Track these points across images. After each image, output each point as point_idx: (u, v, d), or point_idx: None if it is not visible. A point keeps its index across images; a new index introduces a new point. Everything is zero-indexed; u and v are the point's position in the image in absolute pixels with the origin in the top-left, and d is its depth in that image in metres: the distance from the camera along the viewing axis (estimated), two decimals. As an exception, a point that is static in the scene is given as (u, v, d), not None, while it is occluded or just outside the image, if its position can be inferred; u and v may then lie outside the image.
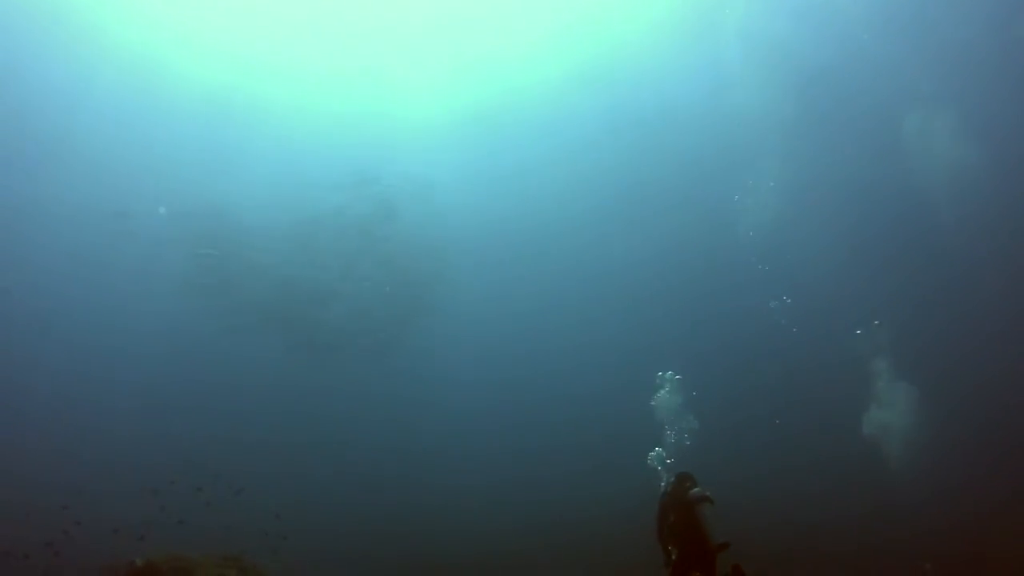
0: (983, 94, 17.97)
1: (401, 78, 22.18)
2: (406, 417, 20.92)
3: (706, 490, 6.87)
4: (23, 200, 21.07)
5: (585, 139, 22.42)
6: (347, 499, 18.47)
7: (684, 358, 10.22)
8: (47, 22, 19.79)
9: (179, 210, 21.25)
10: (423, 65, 22.04)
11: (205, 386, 20.76)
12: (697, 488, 6.91)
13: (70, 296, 21.53)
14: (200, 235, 21.52)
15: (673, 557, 6.79)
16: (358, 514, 17.90)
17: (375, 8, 21.22)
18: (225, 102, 21.73)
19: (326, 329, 22.25)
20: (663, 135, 21.40)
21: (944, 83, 18.30)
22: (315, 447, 19.96)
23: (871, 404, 15.02)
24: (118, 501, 14.50)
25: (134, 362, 20.97)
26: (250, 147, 21.98)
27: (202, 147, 21.69)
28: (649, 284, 21.56)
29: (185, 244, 21.55)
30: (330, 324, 22.32)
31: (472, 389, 21.15)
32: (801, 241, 19.41)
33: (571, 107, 22.16)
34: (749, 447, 17.49)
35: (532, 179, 22.90)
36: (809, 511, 15.86)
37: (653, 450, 8.44)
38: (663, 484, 7.46)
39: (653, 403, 9.26)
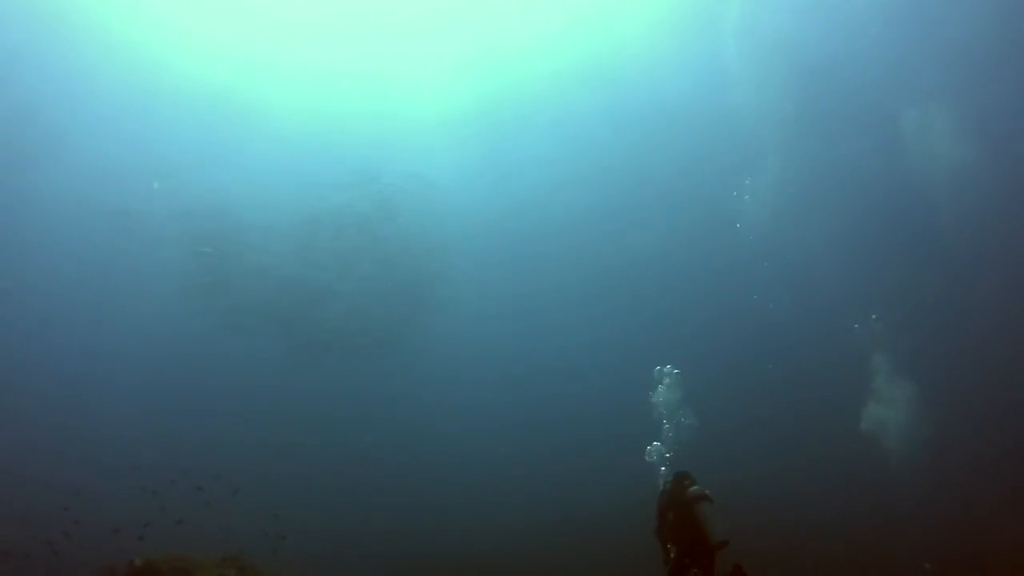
0: (984, 89, 17.94)
1: (400, 76, 22.14)
2: (406, 416, 20.91)
3: (705, 488, 6.88)
4: (21, 199, 21.07)
5: (585, 136, 22.38)
6: (346, 498, 18.47)
7: (685, 356, 10.19)
8: (48, 20, 19.78)
9: (179, 209, 21.24)
10: (422, 63, 22.01)
11: (204, 386, 20.76)
12: (696, 486, 6.92)
13: (69, 296, 21.52)
14: (199, 234, 21.51)
15: (672, 555, 6.80)
16: (357, 513, 17.90)
17: (374, 6, 21.20)
18: (224, 101, 21.71)
19: (326, 328, 22.24)
20: (663, 131, 21.37)
21: (945, 78, 18.27)
22: (314, 447, 19.96)
23: (870, 401, 15.01)
24: (117, 501, 14.49)
25: (133, 362, 20.96)
26: (250, 146, 21.95)
27: (201, 146, 21.67)
28: (649, 282, 21.55)
29: (185, 243, 21.53)
30: (330, 323, 22.30)
31: (472, 388, 21.15)
32: (801, 237, 19.39)
33: (571, 104, 22.13)
34: (748, 445, 17.48)
35: (532, 177, 22.87)
36: (808, 509, 15.86)
37: (651, 445, 8.44)
38: (662, 482, 7.46)
39: (652, 399, 9.25)
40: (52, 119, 21.02)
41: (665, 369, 9.43)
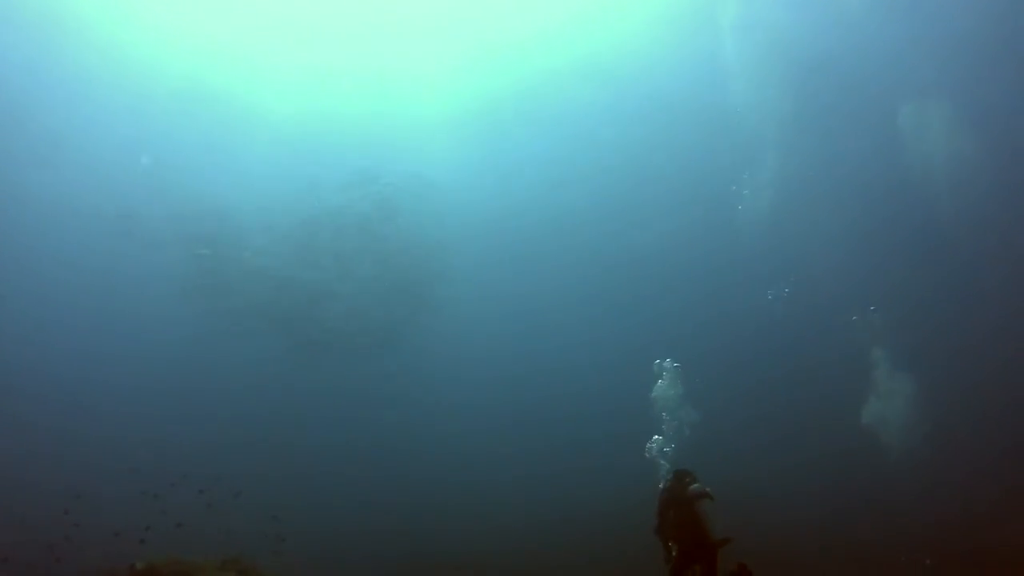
0: (984, 83, 17.97)
1: (398, 76, 22.15)
2: (406, 416, 20.89)
3: (705, 486, 6.89)
4: (21, 202, 21.04)
5: (584, 134, 22.39)
6: (346, 499, 18.45)
7: (686, 354, 10.20)
8: (46, 21, 19.76)
9: (177, 211, 21.22)
10: (420, 62, 22.01)
11: (204, 387, 20.72)
12: (697, 484, 6.93)
13: (68, 299, 21.49)
14: (199, 237, 21.50)
15: (674, 553, 6.81)
16: (357, 514, 17.89)
17: (372, 5, 21.19)
18: (223, 102, 21.71)
19: (326, 329, 22.22)
20: (663, 128, 21.37)
21: (944, 73, 18.30)
22: (314, 447, 19.94)
23: (870, 396, 15.03)
24: (117, 505, 14.48)
25: (132, 364, 20.93)
26: (249, 147, 21.94)
27: (200, 147, 21.66)
28: (649, 280, 21.53)
29: (184, 245, 21.52)
30: (330, 324, 22.28)
31: (472, 388, 21.13)
32: (802, 233, 19.39)
33: (570, 103, 22.13)
34: (747, 441, 17.49)
35: (531, 175, 22.87)
36: (808, 506, 15.88)
37: (652, 439, 8.45)
38: (662, 480, 7.47)
39: (653, 393, 9.27)
40: (51, 121, 21.00)
41: (665, 363, 9.45)
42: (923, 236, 19.20)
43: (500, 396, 21.05)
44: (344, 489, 18.87)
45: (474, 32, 21.66)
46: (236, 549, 12.97)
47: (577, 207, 22.29)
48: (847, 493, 16.40)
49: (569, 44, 21.78)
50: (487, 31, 21.66)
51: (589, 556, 15.91)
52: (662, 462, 8.03)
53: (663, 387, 9.17)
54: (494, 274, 22.44)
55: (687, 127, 21.01)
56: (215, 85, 21.55)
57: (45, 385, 20.31)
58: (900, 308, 17.43)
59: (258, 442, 19.53)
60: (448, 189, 22.37)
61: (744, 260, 20.10)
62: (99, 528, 13.10)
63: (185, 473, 14.35)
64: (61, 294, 21.43)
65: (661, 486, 7.34)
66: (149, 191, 21.40)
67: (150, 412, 20.26)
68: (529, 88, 22.18)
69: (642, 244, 21.65)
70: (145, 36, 20.73)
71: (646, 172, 21.90)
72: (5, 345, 20.40)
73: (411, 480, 19.34)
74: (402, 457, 19.92)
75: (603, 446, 17.89)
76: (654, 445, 8.38)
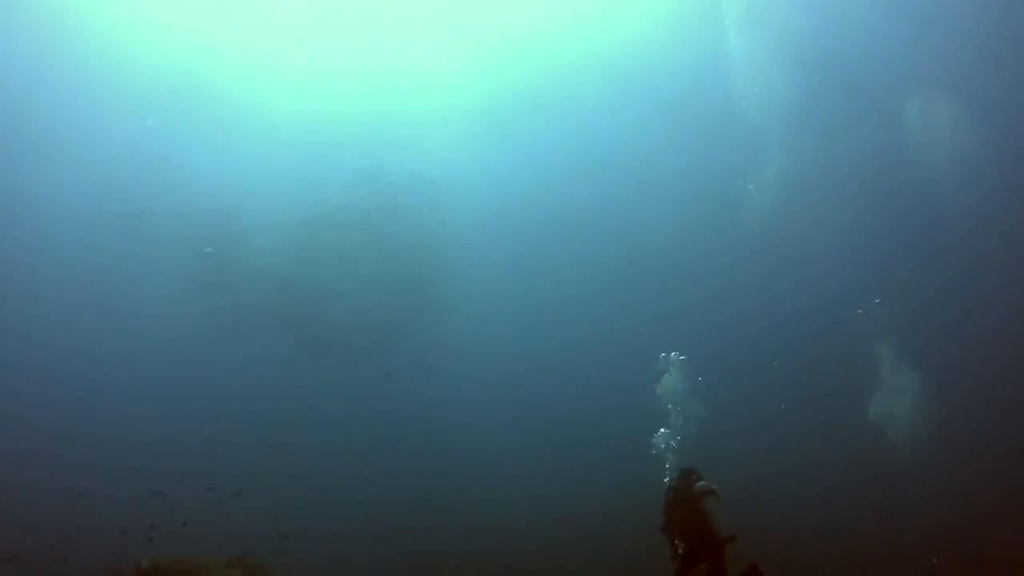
0: (990, 81, 17.92)
1: (402, 74, 22.17)
2: (410, 415, 20.91)
3: (711, 484, 6.89)
4: (24, 201, 21.10)
5: (588, 132, 22.39)
6: (349, 498, 18.47)
7: (692, 352, 10.19)
8: (48, 20, 19.82)
9: (181, 210, 21.26)
10: (423, 61, 22.03)
11: (207, 386, 20.76)
12: (703, 482, 6.93)
13: (72, 299, 21.54)
14: (202, 235, 21.55)
15: (680, 551, 6.81)
16: (360, 513, 17.90)
17: (376, 5, 21.20)
18: (227, 101, 21.75)
19: (329, 327, 22.23)
20: (669, 124, 21.34)
21: (951, 70, 18.26)
22: (317, 446, 19.96)
23: (876, 394, 14.99)
24: (123, 504, 14.52)
25: (136, 363, 20.97)
26: (252, 146, 21.99)
27: (204, 147, 21.71)
28: (654, 278, 21.50)
29: (187, 244, 21.57)
30: (332, 322, 22.30)
31: (475, 386, 21.14)
32: (810, 229, 19.35)
33: (574, 101, 22.14)
34: (752, 438, 17.48)
35: (533, 173, 22.87)
36: (814, 504, 15.85)
37: (658, 432, 8.43)
38: (668, 479, 7.48)
39: (659, 385, 9.23)
40: (54, 121, 21.06)
41: (671, 356, 9.42)
42: (929, 233, 19.16)
43: (503, 394, 21.05)
44: (346, 487, 18.89)
45: (477, 30, 21.67)
46: (240, 548, 12.99)
47: (580, 205, 22.28)
48: (852, 490, 16.38)
49: (572, 42, 21.79)
50: (490, 29, 21.68)
51: (590, 555, 15.90)
52: (668, 455, 8.02)
53: (669, 380, 9.15)
54: (497, 272, 22.45)
55: (692, 124, 20.98)
56: (219, 84, 21.60)
57: (48, 384, 20.37)
58: (906, 304, 17.38)
59: (260, 440, 19.56)
60: (451, 187, 22.38)
61: (749, 258, 20.07)
62: (103, 527, 13.13)
63: (188, 472, 14.37)
64: (64, 293, 21.48)
65: (667, 484, 7.34)
66: (153, 190, 21.45)
67: (153, 410, 20.31)
68: (532, 86, 22.19)
69: (646, 243, 21.62)
70: (149, 35, 20.77)
71: (650, 169, 21.89)
72: (9, 344, 20.46)
73: (413, 478, 19.35)
74: (404, 455, 19.92)
75: (605, 445, 17.90)
76: (659, 438, 8.37)
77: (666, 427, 8.63)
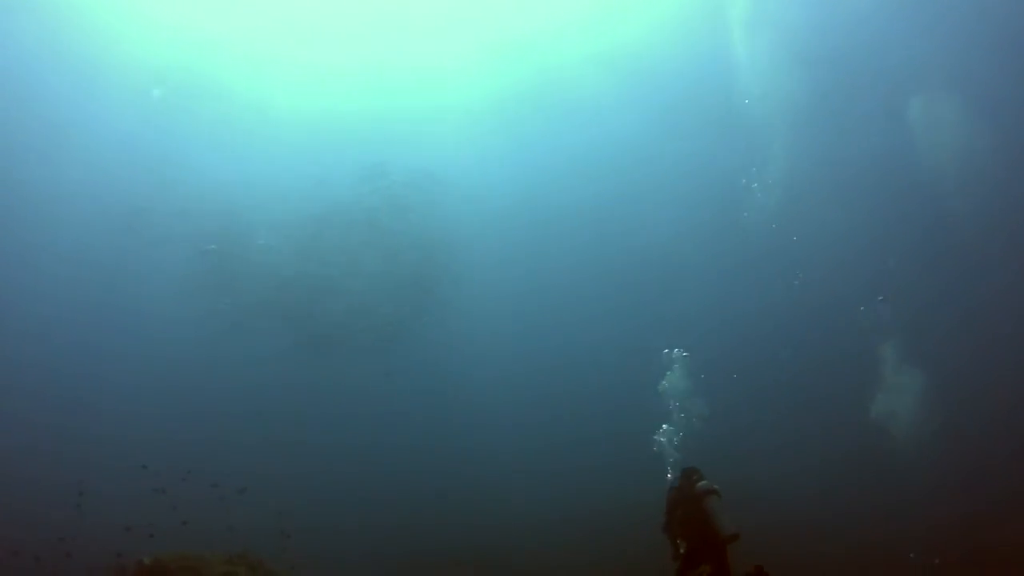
0: (996, 79, 17.89)
1: (409, 71, 22.19)
2: (414, 413, 20.92)
3: (713, 483, 6.90)
4: (27, 199, 21.14)
5: (595, 129, 22.39)
6: (352, 496, 18.49)
7: (695, 354, 10.19)
8: (50, 18, 19.86)
9: (185, 208, 21.28)
10: (431, 58, 22.05)
11: (210, 384, 20.78)
12: (704, 481, 6.94)
13: (73, 296, 21.57)
14: (206, 233, 21.58)
15: (682, 551, 6.81)
16: (363, 511, 17.92)
17: (383, 0, 21.20)
18: (232, 98, 21.78)
19: (332, 325, 22.24)
20: (674, 122, 21.33)
21: (957, 68, 18.23)
22: (319, 444, 19.98)
23: (878, 394, 14.98)
24: (125, 501, 14.55)
25: (139, 361, 21.01)
26: (258, 143, 22.02)
27: (209, 144, 21.74)
28: (663, 277, 21.48)
29: (191, 242, 21.60)
30: (337, 320, 22.31)
31: (479, 385, 21.13)
32: (811, 227, 19.33)
33: (581, 99, 22.14)
34: (753, 437, 17.48)
35: (541, 171, 22.87)
36: (815, 505, 15.85)
37: (661, 428, 8.43)
38: (670, 478, 7.49)
39: (662, 380, 9.25)
40: (57, 117, 21.10)
41: (674, 352, 9.44)
42: (935, 232, 19.13)
43: (505, 393, 21.04)
44: (348, 486, 18.91)
45: (484, 28, 21.68)
46: (241, 545, 13.02)
47: (585, 203, 22.28)
48: (853, 490, 16.37)
49: (579, 40, 21.80)
50: (497, 27, 21.68)
51: (590, 555, 15.90)
52: (670, 452, 8.02)
53: (672, 376, 9.17)
54: (501, 270, 22.44)
55: (697, 122, 20.95)
56: (222, 81, 21.62)
57: (49, 381, 20.41)
58: (911, 303, 17.35)
59: (263, 438, 19.58)
60: (456, 185, 22.39)
61: (755, 257, 20.05)
62: (107, 524, 13.16)
63: (189, 469, 14.40)
64: (66, 291, 21.51)
65: (669, 483, 7.35)
66: (156, 187, 21.48)
67: (155, 408, 20.34)
68: (539, 84, 22.19)
69: (650, 242, 21.61)
70: (153, 32, 20.80)
71: (655, 168, 21.88)
72: (10, 341, 20.50)
73: (414, 477, 19.37)
74: (406, 454, 19.94)
75: (607, 445, 17.90)
76: (661, 435, 8.37)
77: (668, 424, 8.63)
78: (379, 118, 22.16)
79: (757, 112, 19.50)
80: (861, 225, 19.49)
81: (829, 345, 18.57)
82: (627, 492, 13.93)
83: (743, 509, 7.07)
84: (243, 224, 21.80)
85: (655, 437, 8.41)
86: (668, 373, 9.23)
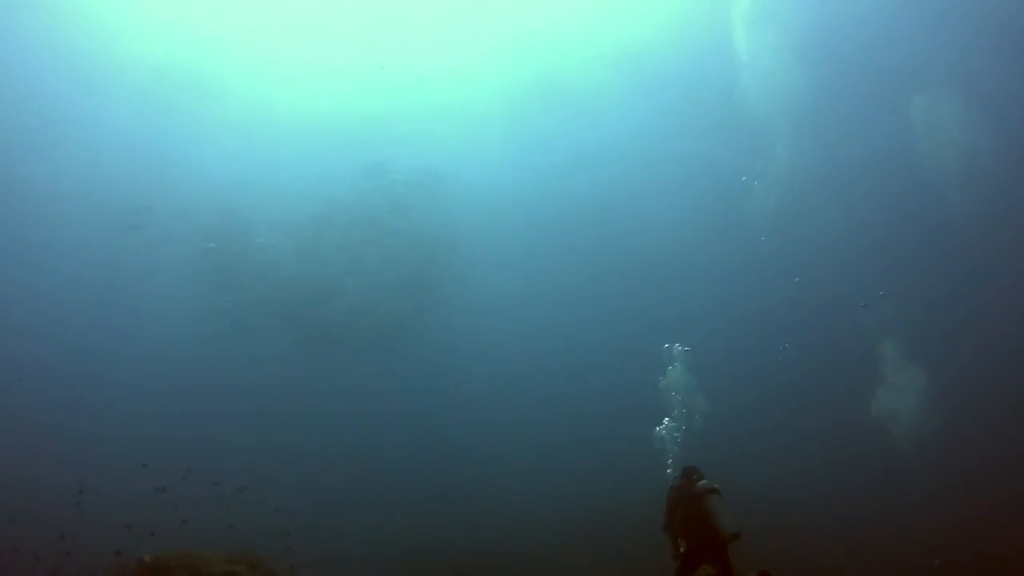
0: (1000, 76, 17.86)
1: (411, 70, 22.19)
2: (415, 412, 20.92)
3: (713, 482, 6.90)
4: (29, 198, 21.17)
5: (597, 128, 22.39)
6: (352, 495, 18.50)
7: (700, 356, 10.18)
8: (52, 18, 19.88)
9: (187, 207, 21.30)
10: (434, 57, 22.06)
11: (212, 382, 20.80)
12: (704, 480, 6.94)
13: (75, 295, 21.60)
14: (208, 232, 21.60)
15: (682, 549, 6.81)
16: (365, 510, 17.93)
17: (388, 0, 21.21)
18: (235, 97, 21.79)
19: (334, 324, 22.25)
20: (678, 121, 21.33)
21: (961, 65, 18.21)
22: (320, 443, 19.99)
23: (879, 394, 14.95)
24: (125, 499, 14.56)
25: (140, 359, 21.03)
26: (260, 142, 22.04)
27: (211, 143, 21.76)
28: (666, 277, 21.47)
29: (193, 241, 21.62)
30: (338, 319, 22.31)
31: (481, 384, 21.14)
32: (818, 227, 19.31)
33: (583, 98, 22.15)
34: (754, 436, 17.47)
35: (542, 170, 22.87)
36: (817, 506, 15.83)
37: (661, 423, 8.43)
38: (670, 477, 7.49)
39: (664, 375, 9.26)
40: (58, 116, 21.12)
41: (675, 347, 9.45)
42: (937, 229, 19.10)
43: (507, 392, 21.05)
44: (349, 484, 18.92)
45: (488, 27, 21.68)
46: (242, 544, 13.01)
47: (587, 202, 22.28)
48: (854, 490, 16.36)
49: (583, 39, 21.78)
50: (498, 26, 21.68)
51: (591, 555, 15.89)
52: (671, 448, 8.03)
53: (673, 372, 9.19)
54: (505, 269, 22.44)
55: (702, 121, 20.92)
56: (227, 80, 21.64)
57: (51, 380, 20.43)
58: (913, 302, 17.32)
59: (263, 437, 19.59)
60: (458, 183, 22.38)
61: (756, 256, 20.03)
62: (106, 522, 13.17)
63: (190, 468, 14.41)
64: (68, 290, 21.54)
65: (669, 482, 7.35)
66: (158, 186, 21.50)
67: (156, 407, 20.36)
68: (540, 83, 22.19)
69: (654, 241, 21.60)
70: (155, 31, 20.82)
71: (659, 167, 21.87)
72: (12, 340, 20.52)
73: (415, 476, 19.37)
74: (407, 453, 19.95)
75: (607, 444, 17.89)
76: (663, 428, 8.38)
77: (669, 418, 8.64)
78: (383, 117, 22.19)
79: (763, 111, 19.47)
80: (864, 223, 19.46)
81: (830, 344, 18.55)
82: (627, 492, 13.91)
83: (743, 509, 7.07)
84: (244, 223, 21.81)
85: (657, 430, 8.41)
86: (669, 368, 9.24)
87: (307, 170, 21.79)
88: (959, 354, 17.27)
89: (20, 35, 20.08)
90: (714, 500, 6.72)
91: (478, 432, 19.99)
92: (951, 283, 18.68)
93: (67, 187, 21.21)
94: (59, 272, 21.48)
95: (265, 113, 22.06)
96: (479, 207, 22.69)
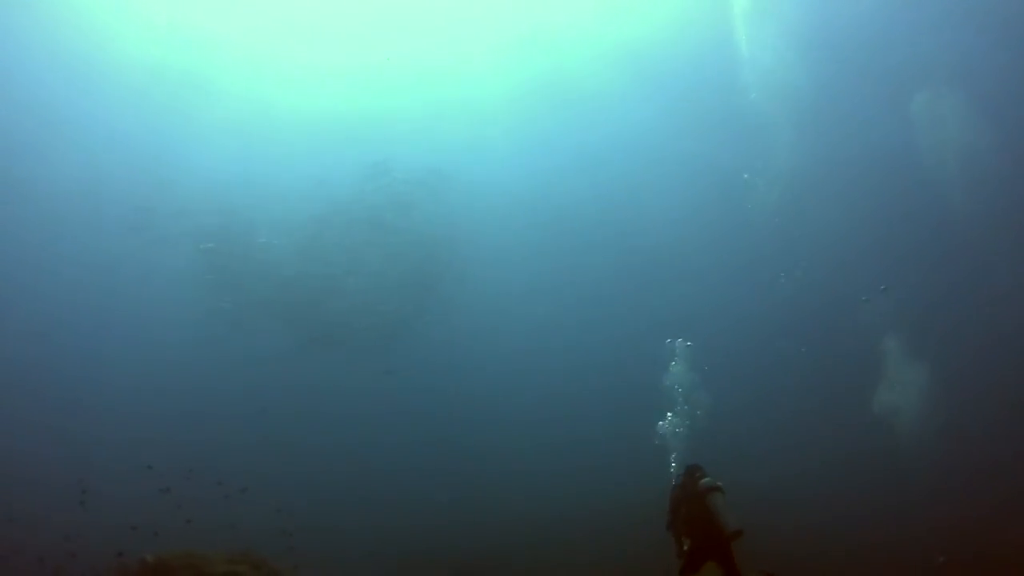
0: (1003, 73, 17.86)
1: (413, 69, 22.18)
2: (416, 411, 20.93)
3: (716, 480, 6.91)
4: (29, 198, 21.17)
5: (600, 128, 22.38)
6: (353, 495, 18.51)
7: (697, 354, 10.20)
8: (52, 17, 19.88)
9: (187, 207, 21.30)
10: (435, 56, 22.05)
11: (212, 383, 20.80)
12: (708, 478, 6.95)
13: (74, 296, 21.60)
14: (208, 232, 21.60)
15: (686, 547, 6.82)
16: (366, 510, 17.95)
17: (391, -1, 21.19)
18: (235, 97, 21.78)
19: (335, 324, 22.25)
20: (680, 121, 21.32)
21: (964, 63, 18.21)
22: (321, 443, 20.00)
23: (883, 392, 14.96)
24: (129, 500, 14.58)
25: (139, 361, 21.03)
26: (260, 142, 22.03)
27: (211, 142, 21.75)
28: (669, 277, 21.47)
29: (193, 241, 21.62)
30: (339, 319, 22.31)
31: (483, 383, 21.14)
32: (820, 226, 19.31)
33: (586, 98, 22.14)
34: (754, 435, 17.48)
35: (545, 170, 22.86)
36: (820, 503, 15.84)
37: (665, 418, 8.45)
38: (673, 475, 7.51)
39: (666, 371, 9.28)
40: (55, 118, 21.11)
41: (677, 343, 9.47)
42: (938, 228, 19.10)
43: (509, 392, 21.06)
44: (350, 485, 18.94)
45: (489, 26, 21.66)
46: (245, 544, 13.03)
47: (588, 201, 22.28)
48: (855, 489, 16.37)
49: (586, 37, 21.76)
50: (500, 25, 21.66)
51: (591, 555, 15.91)
52: (673, 444, 8.05)
53: (676, 366, 9.22)
54: (506, 268, 22.44)
55: (705, 119, 20.90)
56: (226, 80, 21.62)
57: (51, 381, 20.44)
58: (915, 299, 17.33)
59: (265, 437, 19.60)
60: (459, 182, 22.38)
61: (759, 254, 20.03)
62: (109, 524, 13.19)
63: (192, 469, 14.43)
64: (67, 290, 21.54)
65: (672, 482, 7.37)
66: (158, 186, 21.49)
67: (157, 408, 20.37)
68: (542, 82, 22.16)
69: (657, 240, 21.59)
70: (154, 31, 20.81)
71: (659, 166, 21.87)
72: (11, 341, 20.52)
73: (416, 476, 19.38)
74: (408, 453, 19.96)
75: (609, 444, 17.90)
76: (665, 424, 8.40)
77: (672, 414, 8.66)
78: (385, 116, 22.17)
79: (765, 109, 19.45)
80: (866, 221, 19.47)
81: (831, 343, 18.55)
82: (628, 491, 13.92)
83: (743, 509, 7.08)
84: (244, 223, 21.81)
85: (659, 424, 8.43)
86: (672, 363, 9.26)
87: (308, 170, 21.78)
88: (959, 353, 17.27)
89: (18, 36, 20.08)
90: (717, 498, 6.74)
91: (479, 432, 19.98)
92: (952, 282, 18.70)
93: (67, 188, 21.21)
94: (60, 273, 21.48)
95: (265, 113, 22.04)
96: (481, 206, 22.68)
